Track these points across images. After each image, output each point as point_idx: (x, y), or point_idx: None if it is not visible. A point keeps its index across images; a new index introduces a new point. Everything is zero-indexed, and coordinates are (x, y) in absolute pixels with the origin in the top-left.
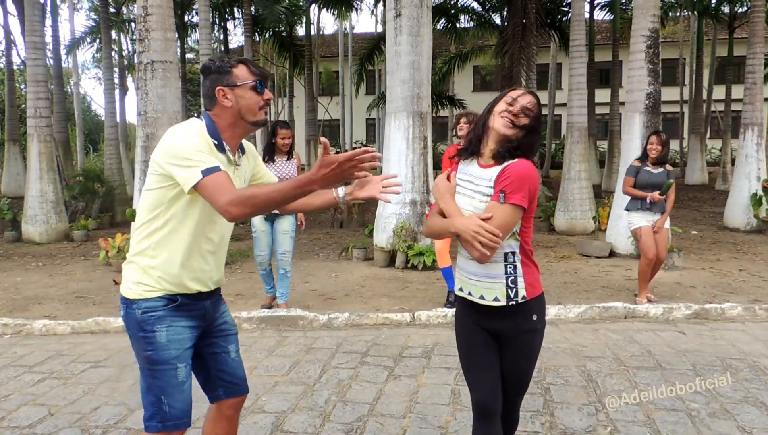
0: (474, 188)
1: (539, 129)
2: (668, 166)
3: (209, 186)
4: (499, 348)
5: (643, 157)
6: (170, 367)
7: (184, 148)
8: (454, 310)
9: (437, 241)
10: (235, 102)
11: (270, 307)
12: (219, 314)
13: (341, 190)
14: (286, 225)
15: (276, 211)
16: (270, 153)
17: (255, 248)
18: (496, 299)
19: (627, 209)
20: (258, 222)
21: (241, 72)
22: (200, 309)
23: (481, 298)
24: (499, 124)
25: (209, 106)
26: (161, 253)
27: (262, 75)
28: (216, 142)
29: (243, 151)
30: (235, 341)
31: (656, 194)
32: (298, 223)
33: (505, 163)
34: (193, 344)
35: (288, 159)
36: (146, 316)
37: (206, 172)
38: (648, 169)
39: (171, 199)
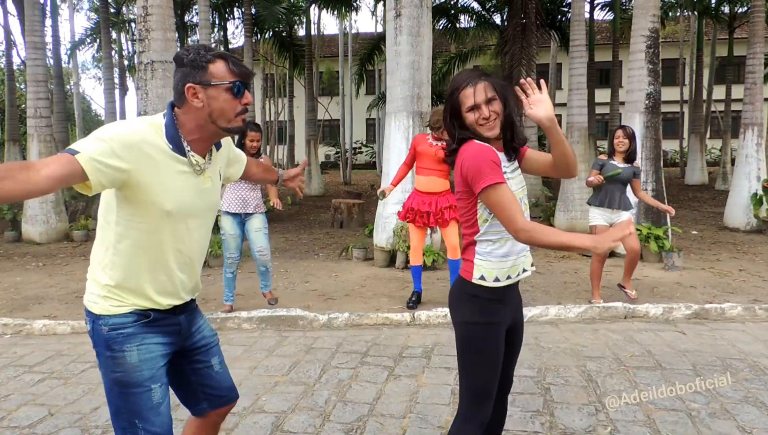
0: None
1: (510, 104)
2: (635, 164)
3: (53, 158)
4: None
5: (611, 153)
6: (144, 389)
7: (98, 131)
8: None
9: (411, 238)
10: (207, 103)
11: (229, 312)
12: (196, 329)
13: (281, 171)
14: (257, 223)
15: (246, 211)
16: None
17: (225, 251)
18: (531, 264)
19: (588, 203)
20: (227, 224)
21: (218, 69)
22: (175, 324)
23: (524, 270)
24: (485, 132)
25: (177, 103)
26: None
27: (243, 75)
28: (172, 147)
29: (218, 147)
30: (218, 352)
31: (600, 177)
32: (274, 205)
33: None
34: (168, 361)
35: (256, 159)
36: (114, 334)
37: (69, 151)
38: (614, 162)
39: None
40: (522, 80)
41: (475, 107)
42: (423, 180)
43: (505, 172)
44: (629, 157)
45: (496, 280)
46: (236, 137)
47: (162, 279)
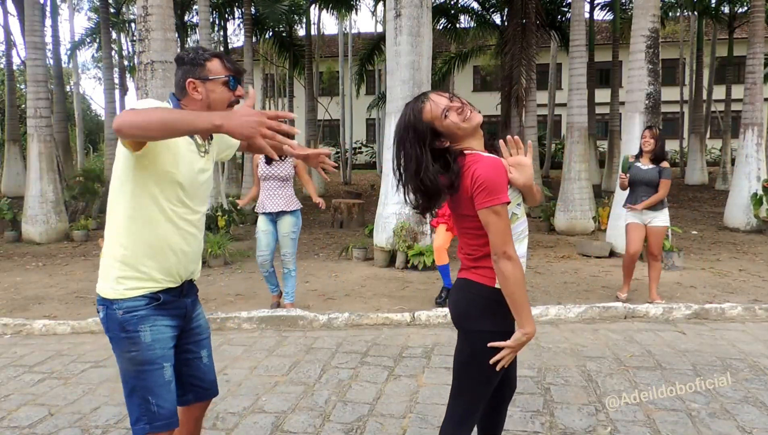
0: None
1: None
2: (664, 164)
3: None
4: None
5: (639, 154)
6: (157, 367)
7: (139, 103)
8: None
9: (437, 238)
10: (206, 95)
11: (278, 304)
12: (195, 316)
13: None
14: (286, 227)
15: (277, 209)
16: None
17: (257, 249)
18: None
19: (623, 205)
20: (261, 222)
21: (214, 66)
22: (182, 307)
23: None
24: (474, 120)
25: (179, 96)
26: (132, 240)
27: (236, 71)
28: None
29: (211, 137)
30: (208, 345)
31: (625, 180)
32: (318, 204)
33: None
34: (174, 345)
35: (283, 158)
36: (128, 316)
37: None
38: (638, 165)
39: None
40: (509, 137)
41: (445, 110)
42: None
43: None
44: (656, 157)
45: None
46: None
47: (172, 252)
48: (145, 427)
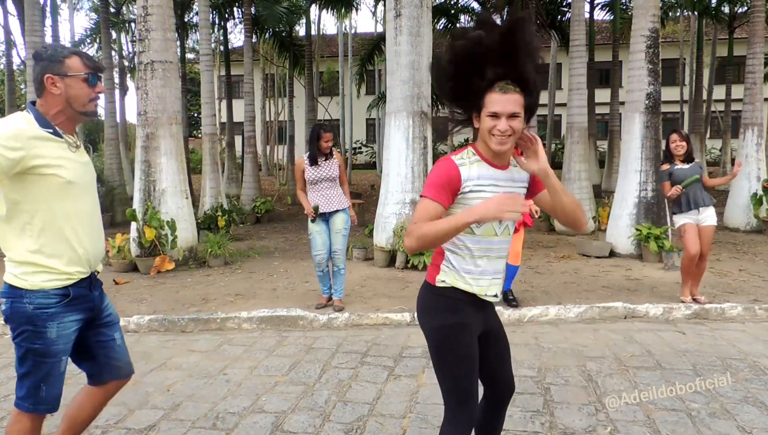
0: (503, 190)
1: (535, 99)
2: (696, 159)
3: None
4: (487, 342)
5: (669, 159)
6: (56, 360)
7: None
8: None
9: None
10: (64, 90)
11: (324, 306)
12: (105, 305)
13: None
14: (339, 224)
15: (330, 209)
16: (313, 157)
17: (312, 249)
18: (497, 293)
19: (673, 213)
20: (314, 223)
21: (73, 63)
22: (89, 301)
23: (495, 296)
24: (494, 144)
25: (38, 94)
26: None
27: (95, 68)
28: (51, 131)
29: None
30: (119, 329)
31: (679, 187)
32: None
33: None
34: (86, 324)
35: (327, 159)
36: (39, 312)
37: None
38: (679, 166)
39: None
40: (525, 132)
41: (495, 115)
42: None
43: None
44: (689, 157)
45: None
46: (314, 139)
47: (85, 241)
48: (29, 407)
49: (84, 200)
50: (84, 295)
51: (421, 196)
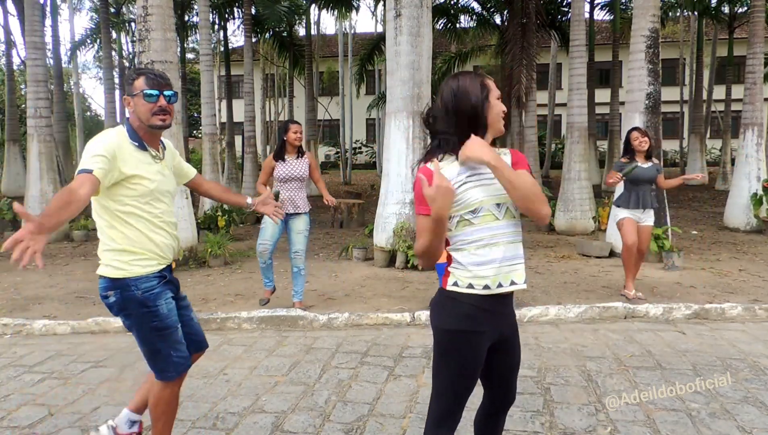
0: (486, 176)
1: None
2: (655, 160)
3: (81, 180)
4: (496, 354)
5: (631, 154)
6: (174, 329)
7: (85, 151)
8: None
9: None
10: (134, 108)
11: (268, 301)
12: (180, 289)
13: (249, 199)
14: (301, 224)
15: (297, 211)
16: (281, 152)
17: (259, 238)
18: (524, 281)
19: (616, 205)
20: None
21: (138, 82)
22: (174, 283)
23: (512, 283)
24: (503, 127)
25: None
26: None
27: (155, 84)
28: (137, 144)
29: (165, 147)
30: (191, 309)
31: (618, 175)
32: (329, 202)
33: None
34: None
35: (298, 157)
36: (147, 295)
37: (79, 172)
38: (638, 163)
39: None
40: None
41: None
42: None
43: (479, 176)
44: (649, 155)
45: (470, 286)
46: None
47: (165, 237)
48: (173, 375)
49: (163, 203)
50: (170, 278)
51: (418, 213)
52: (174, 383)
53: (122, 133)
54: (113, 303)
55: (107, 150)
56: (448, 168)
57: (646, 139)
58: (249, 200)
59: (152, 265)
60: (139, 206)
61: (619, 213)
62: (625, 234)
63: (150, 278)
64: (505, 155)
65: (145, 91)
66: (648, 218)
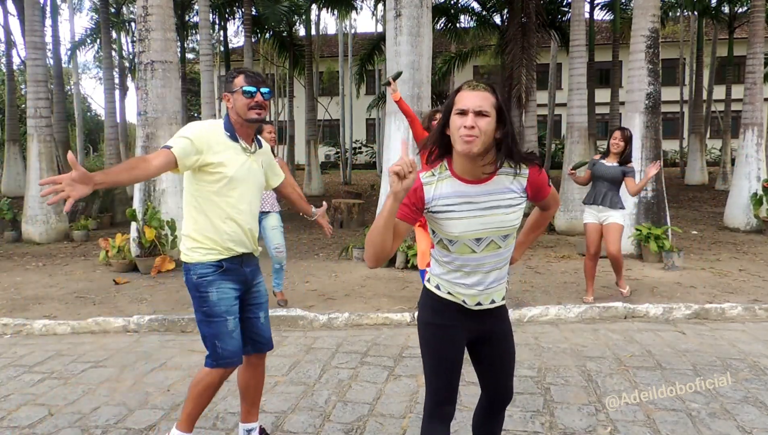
0: (479, 205)
1: (506, 119)
2: (629, 165)
3: (158, 153)
4: (480, 349)
5: (606, 153)
6: (222, 320)
7: (181, 131)
8: None
9: (423, 242)
10: (233, 104)
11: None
12: (255, 284)
13: (314, 209)
14: (273, 221)
15: (263, 209)
16: None
17: (270, 244)
18: (503, 298)
19: (583, 202)
20: None
21: (238, 80)
22: (241, 274)
23: (492, 302)
24: (459, 145)
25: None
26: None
27: (253, 82)
28: (229, 134)
29: (260, 146)
30: (265, 309)
31: (570, 169)
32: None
33: (519, 171)
34: (238, 303)
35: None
36: (200, 281)
37: (166, 146)
38: (603, 162)
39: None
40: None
41: (463, 112)
42: None
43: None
44: (624, 159)
45: (450, 294)
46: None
47: (233, 228)
48: (212, 363)
49: (242, 195)
50: (235, 269)
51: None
52: (215, 372)
53: (218, 124)
54: (185, 282)
55: (195, 135)
56: (437, 186)
57: (618, 142)
58: (313, 210)
59: (212, 254)
60: (216, 192)
61: (584, 212)
62: (586, 241)
63: (206, 265)
64: (523, 177)
65: (244, 88)
66: (609, 217)
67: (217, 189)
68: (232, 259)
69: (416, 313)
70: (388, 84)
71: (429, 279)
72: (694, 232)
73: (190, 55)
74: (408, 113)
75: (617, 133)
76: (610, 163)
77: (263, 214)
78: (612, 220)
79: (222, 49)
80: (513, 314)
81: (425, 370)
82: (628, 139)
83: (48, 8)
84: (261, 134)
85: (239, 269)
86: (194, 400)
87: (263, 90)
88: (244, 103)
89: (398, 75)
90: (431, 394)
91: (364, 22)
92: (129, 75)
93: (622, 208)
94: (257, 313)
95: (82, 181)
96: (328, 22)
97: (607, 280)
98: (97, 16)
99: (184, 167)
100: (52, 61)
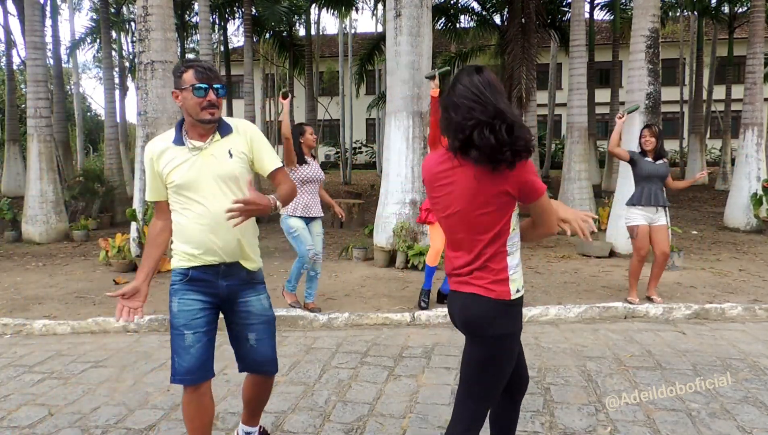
0: None
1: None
2: (664, 160)
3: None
4: None
5: (643, 154)
6: (178, 333)
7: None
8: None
9: (438, 239)
10: (183, 102)
11: (300, 305)
12: (242, 302)
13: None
14: (318, 227)
15: (311, 215)
16: (300, 155)
17: (302, 245)
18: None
19: (629, 203)
20: (296, 223)
21: (187, 76)
22: (213, 287)
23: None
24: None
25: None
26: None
27: (204, 78)
28: (174, 140)
29: (229, 131)
30: (258, 330)
31: (621, 115)
32: (339, 215)
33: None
34: (207, 316)
35: (309, 161)
36: (171, 288)
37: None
38: (648, 159)
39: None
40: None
41: None
42: None
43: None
44: (658, 154)
45: (518, 291)
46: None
47: (194, 233)
48: (172, 377)
49: (200, 199)
50: (206, 281)
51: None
52: (187, 389)
53: (168, 132)
54: None
55: (147, 162)
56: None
57: (650, 139)
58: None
59: (182, 261)
60: (175, 200)
61: (632, 214)
62: (637, 244)
63: (176, 272)
64: None
65: (194, 85)
66: (660, 218)
67: (174, 195)
68: (204, 268)
69: (483, 327)
70: (433, 78)
71: (514, 290)
72: (694, 232)
73: (190, 55)
74: (437, 111)
75: (645, 132)
76: (655, 160)
77: (310, 220)
78: (663, 221)
79: (222, 49)
80: None
81: (490, 381)
82: (657, 135)
83: (48, 8)
84: (303, 136)
85: (212, 282)
86: (186, 425)
87: (216, 86)
88: (196, 102)
89: (447, 72)
90: (488, 404)
91: (364, 22)
92: (129, 75)
93: (668, 204)
94: (245, 333)
95: (133, 292)
96: (328, 22)
97: (607, 280)
98: (96, 16)
99: (167, 192)
100: (52, 61)
